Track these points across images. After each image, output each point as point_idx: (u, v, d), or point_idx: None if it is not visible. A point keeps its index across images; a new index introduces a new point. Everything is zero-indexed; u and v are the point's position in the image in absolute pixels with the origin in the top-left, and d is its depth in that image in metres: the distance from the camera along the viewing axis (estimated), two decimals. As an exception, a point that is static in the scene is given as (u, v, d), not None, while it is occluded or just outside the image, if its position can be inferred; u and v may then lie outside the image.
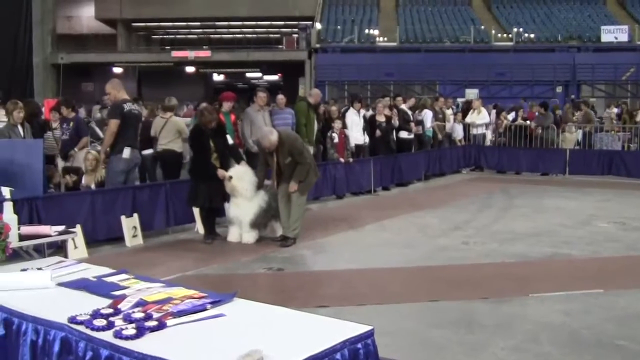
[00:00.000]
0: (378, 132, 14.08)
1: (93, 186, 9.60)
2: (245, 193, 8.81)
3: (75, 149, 10.82)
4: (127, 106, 8.99)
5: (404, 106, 15.35)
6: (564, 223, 10.46)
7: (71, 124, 11.00)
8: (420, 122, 15.82)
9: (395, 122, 14.71)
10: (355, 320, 2.97)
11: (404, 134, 15.05)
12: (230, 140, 9.45)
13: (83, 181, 9.50)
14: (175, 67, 41.66)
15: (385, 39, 35.35)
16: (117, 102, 9.04)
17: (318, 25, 36.52)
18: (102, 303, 3.17)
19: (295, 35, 40.01)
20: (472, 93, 29.88)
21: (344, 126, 13.31)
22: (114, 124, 8.87)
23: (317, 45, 35.08)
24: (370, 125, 14.01)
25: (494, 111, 19.61)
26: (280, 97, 12.32)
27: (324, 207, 12.22)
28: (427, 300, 6.45)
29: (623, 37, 33.85)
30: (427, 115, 16.05)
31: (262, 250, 8.57)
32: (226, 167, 8.92)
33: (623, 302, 6.34)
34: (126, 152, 8.87)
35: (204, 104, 10.73)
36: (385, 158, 14.30)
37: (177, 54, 39.21)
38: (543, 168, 16.97)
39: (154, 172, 12.64)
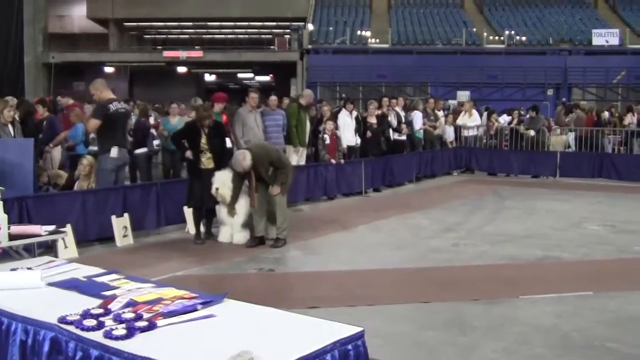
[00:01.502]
0: (369, 134, 14.09)
1: None
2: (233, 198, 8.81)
3: (51, 145, 10.81)
4: (114, 106, 8.90)
5: (397, 108, 15.40)
6: (554, 225, 10.49)
7: (44, 123, 11.06)
8: (409, 123, 15.86)
9: (393, 120, 14.78)
10: (346, 322, 2.97)
11: (396, 135, 15.08)
12: (229, 144, 9.41)
13: (76, 187, 9.44)
14: (167, 67, 41.55)
15: (377, 40, 35.39)
16: (102, 102, 8.95)
17: (310, 26, 36.54)
18: (92, 303, 3.16)
19: (287, 36, 39.96)
20: (463, 95, 29.96)
21: (336, 127, 13.30)
22: (92, 124, 8.89)
23: (309, 46, 35.09)
24: (361, 126, 14.01)
25: (485, 113, 19.66)
26: (273, 98, 12.30)
27: (315, 208, 12.21)
28: (419, 302, 6.45)
29: (614, 41, 33.99)
30: (416, 117, 16.07)
31: (253, 251, 8.56)
32: (220, 169, 8.90)
33: (613, 304, 6.35)
34: (114, 152, 8.83)
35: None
36: (376, 159, 14.31)
37: (169, 54, 39.12)
38: (534, 170, 17.02)
39: (147, 171, 12.63)
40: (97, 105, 9.11)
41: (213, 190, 8.71)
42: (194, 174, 9.07)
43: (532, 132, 17.24)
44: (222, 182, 8.72)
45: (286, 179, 8.81)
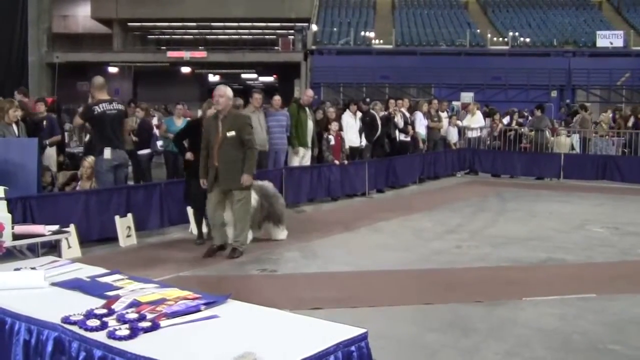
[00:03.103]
0: (372, 134, 14.10)
1: None
2: None
3: (47, 142, 10.82)
4: (101, 107, 8.84)
5: (403, 109, 15.42)
6: (558, 227, 10.48)
7: (44, 122, 11.09)
8: (412, 124, 15.87)
9: (400, 121, 14.80)
10: (349, 323, 2.96)
11: (402, 136, 15.10)
12: None
13: (78, 187, 9.47)
14: (171, 68, 41.62)
15: (381, 41, 35.37)
16: (90, 103, 9.13)
17: (314, 27, 36.53)
18: (95, 303, 3.16)
19: (291, 37, 40.03)
20: (467, 96, 29.94)
21: (340, 128, 13.30)
22: (75, 121, 9.75)
23: (313, 47, 35.07)
24: (367, 127, 13.98)
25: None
26: (276, 99, 12.30)
27: (318, 209, 12.21)
28: (421, 304, 6.45)
29: (618, 43, 33.93)
30: (417, 117, 16.05)
31: (255, 252, 8.55)
32: None
33: (616, 307, 6.35)
34: (106, 153, 8.81)
35: None
36: (379, 160, 14.31)
37: (172, 54, 39.18)
38: (538, 172, 17.00)
39: (149, 171, 12.63)
40: (84, 106, 9.44)
41: None
42: (191, 174, 9.04)
43: (531, 134, 17.27)
44: None
45: (253, 163, 8.21)
